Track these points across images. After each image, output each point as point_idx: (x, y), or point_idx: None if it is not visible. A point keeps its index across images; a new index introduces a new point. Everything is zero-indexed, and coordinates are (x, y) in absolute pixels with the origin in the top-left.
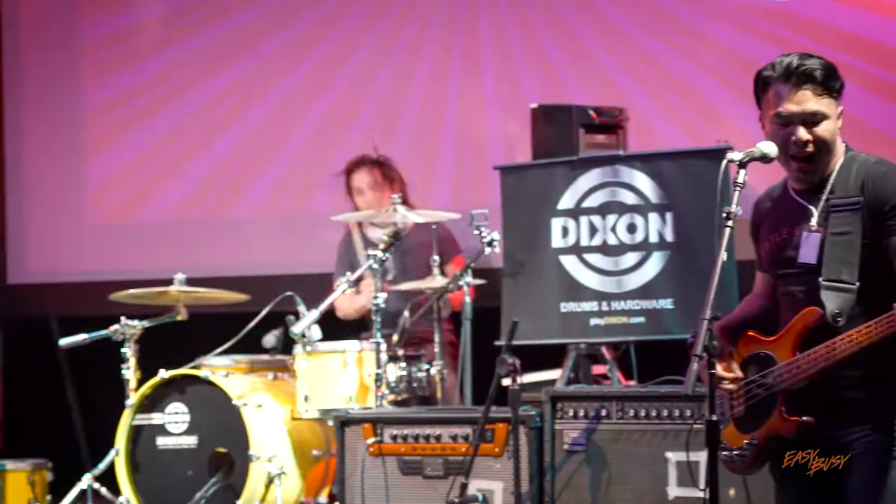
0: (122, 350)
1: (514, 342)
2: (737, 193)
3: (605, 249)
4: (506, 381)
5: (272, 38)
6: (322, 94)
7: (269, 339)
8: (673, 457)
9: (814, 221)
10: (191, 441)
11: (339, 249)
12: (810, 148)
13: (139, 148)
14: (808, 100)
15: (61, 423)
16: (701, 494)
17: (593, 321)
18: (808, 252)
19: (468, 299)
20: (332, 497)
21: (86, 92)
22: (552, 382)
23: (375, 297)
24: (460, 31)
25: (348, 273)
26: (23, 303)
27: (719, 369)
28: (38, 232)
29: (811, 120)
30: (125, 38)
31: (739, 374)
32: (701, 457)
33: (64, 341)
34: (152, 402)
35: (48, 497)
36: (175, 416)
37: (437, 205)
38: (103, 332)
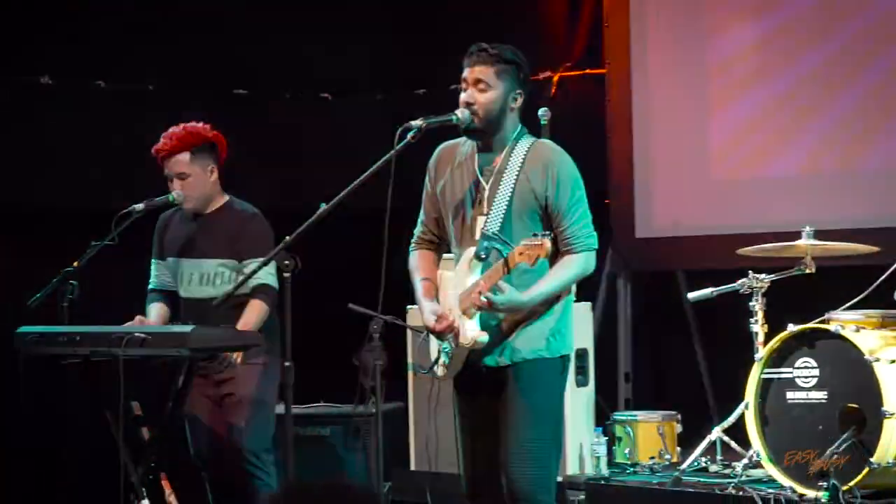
0: (749, 303)
1: None
2: None
3: None
4: None
5: None
6: None
7: None
8: None
9: None
10: (821, 396)
11: None
12: None
13: (765, 101)
14: None
15: (688, 376)
16: None
17: None
18: None
19: None
20: None
21: (710, 48)
22: None
23: None
24: None
25: None
26: (650, 256)
27: None
28: (665, 187)
29: None
30: None
31: None
32: None
33: (692, 295)
34: (781, 356)
35: (677, 448)
36: (804, 371)
37: None
38: (731, 286)
